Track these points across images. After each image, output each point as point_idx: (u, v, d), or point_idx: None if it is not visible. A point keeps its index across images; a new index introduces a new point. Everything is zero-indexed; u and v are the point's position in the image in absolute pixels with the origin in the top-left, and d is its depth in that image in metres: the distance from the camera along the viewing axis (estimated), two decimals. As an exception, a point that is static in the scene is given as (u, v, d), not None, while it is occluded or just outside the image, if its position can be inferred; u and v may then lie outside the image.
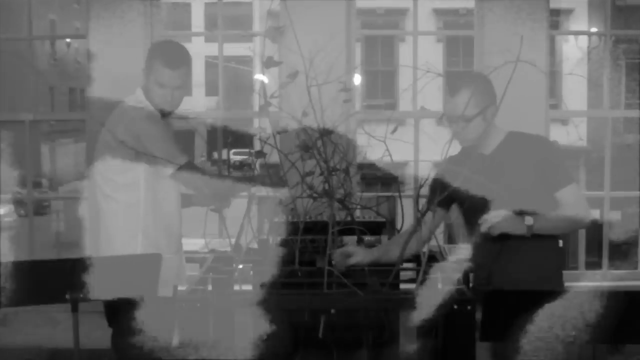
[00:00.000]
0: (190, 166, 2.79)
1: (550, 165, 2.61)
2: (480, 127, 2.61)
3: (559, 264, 2.71)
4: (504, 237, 2.51)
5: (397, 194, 2.89)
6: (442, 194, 2.52)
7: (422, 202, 2.71)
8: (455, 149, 2.69)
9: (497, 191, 2.51)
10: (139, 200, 2.81)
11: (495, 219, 2.47)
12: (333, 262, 2.50)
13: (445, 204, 2.69)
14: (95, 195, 2.89)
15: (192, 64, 2.94)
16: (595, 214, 2.80)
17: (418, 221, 2.55)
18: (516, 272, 2.59)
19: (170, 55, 2.85)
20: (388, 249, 2.66)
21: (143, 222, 2.82)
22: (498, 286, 2.55)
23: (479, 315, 2.20)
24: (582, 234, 11.03)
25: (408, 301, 2.21)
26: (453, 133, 2.61)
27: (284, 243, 2.66)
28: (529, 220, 2.50)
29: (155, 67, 2.84)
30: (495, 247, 2.56)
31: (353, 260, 2.55)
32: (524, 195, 2.54)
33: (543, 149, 2.64)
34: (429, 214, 2.64)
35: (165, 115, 2.90)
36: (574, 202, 2.59)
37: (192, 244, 4.16)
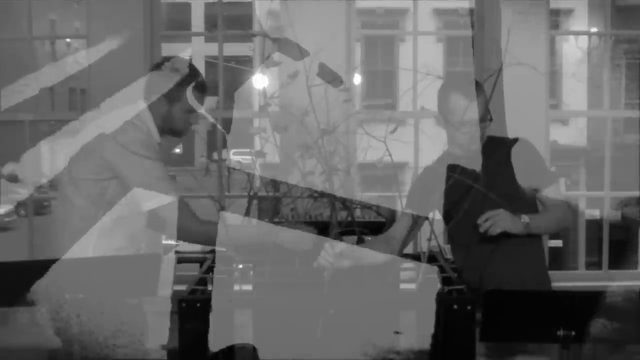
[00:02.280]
0: (177, 206, 2.60)
1: (533, 167, 2.64)
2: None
3: (546, 264, 2.81)
4: (498, 238, 2.52)
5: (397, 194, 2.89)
6: (424, 199, 2.57)
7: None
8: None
9: (483, 194, 2.54)
10: (98, 212, 2.62)
11: (495, 218, 2.48)
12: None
13: (427, 209, 2.70)
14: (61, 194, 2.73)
15: (204, 82, 2.77)
16: (595, 214, 2.84)
17: (414, 223, 2.58)
18: (511, 274, 2.61)
19: (200, 79, 2.72)
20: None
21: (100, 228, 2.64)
22: (491, 287, 2.56)
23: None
24: (582, 234, 11.04)
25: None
26: (468, 137, 2.61)
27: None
28: (525, 218, 2.53)
29: (184, 92, 2.68)
30: (488, 248, 2.57)
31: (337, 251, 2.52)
32: (508, 196, 2.56)
33: (525, 151, 2.67)
34: (408, 220, 2.68)
35: (174, 133, 2.77)
36: (557, 202, 2.66)
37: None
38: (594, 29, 14.38)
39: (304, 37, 2.71)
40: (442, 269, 2.53)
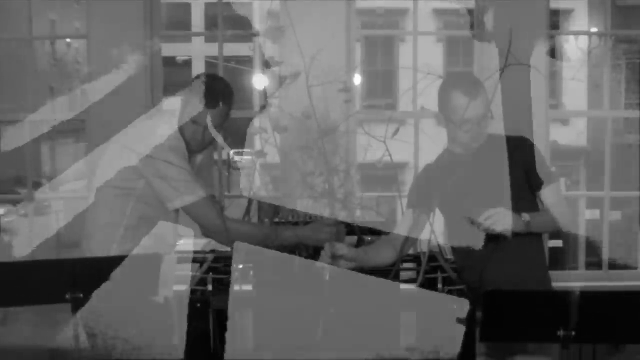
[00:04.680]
0: (205, 203, 2.63)
1: (533, 165, 2.64)
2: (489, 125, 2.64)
3: (547, 263, 2.79)
4: (498, 237, 2.52)
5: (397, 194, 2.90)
6: (425, 198, 2.56)
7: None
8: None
9: (482, 192, 2.54)
10: (126, 207, 2.68)
11: (495, 216, 2.48)
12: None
13: (428, 208, 2.69)
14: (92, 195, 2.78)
15: (232, 102, 2.71)
16: (595, 214, 2.84)
17: (415, 222, 2.58)
18: (511, 273, 2.60)
19: (209, 91, 2.64)
20: (371, 251, 2.67)
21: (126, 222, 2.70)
22: (491, 287, 2.56)
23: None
24: (582, 234, 11.03)
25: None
26: (469, 135, 2.60)
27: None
28: (525, 216, 2.52)
29: (191, 100, 2.65)
30: (488, 246, 2.56)
31: (339, 252, 2.54)
32: (508, 195, 2.56)
33: (525, 149, 2.67)
34: (410, 220, 2.67)
35: (191, 152, 2.72)
36: (557, 201, 2.65)
37: (192, 244, 4.15)
38: (594, 29, 14.36)
39: (304, 37, 2.71)
40: (442, 269, 2.53)
